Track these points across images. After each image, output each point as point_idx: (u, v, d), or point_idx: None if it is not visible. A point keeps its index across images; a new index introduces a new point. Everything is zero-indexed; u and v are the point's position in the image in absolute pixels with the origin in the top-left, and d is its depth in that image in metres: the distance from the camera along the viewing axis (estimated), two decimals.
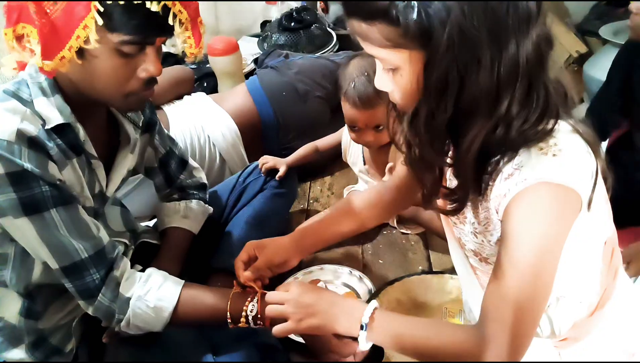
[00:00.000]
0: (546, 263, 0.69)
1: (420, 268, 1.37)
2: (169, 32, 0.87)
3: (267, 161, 1.43)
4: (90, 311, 0.96)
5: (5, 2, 0.85)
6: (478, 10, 0.62)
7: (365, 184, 1.51)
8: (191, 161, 1.32)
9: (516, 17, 0.63)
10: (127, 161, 1.09)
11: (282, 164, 1.43)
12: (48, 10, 0.79)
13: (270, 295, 0.89)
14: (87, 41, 0.80)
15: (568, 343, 0.84)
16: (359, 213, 1.03)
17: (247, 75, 2.26)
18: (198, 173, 1.33)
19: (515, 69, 0.64)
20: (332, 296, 0.86)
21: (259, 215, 1.36)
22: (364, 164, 1.45)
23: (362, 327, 0.79)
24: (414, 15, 0.63)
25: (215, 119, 1.65)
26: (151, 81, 0.91)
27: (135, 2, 0.79)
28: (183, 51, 0.94)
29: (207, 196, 1.33)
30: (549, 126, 0.69)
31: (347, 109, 1.30)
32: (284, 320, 0.86)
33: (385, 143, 1.35)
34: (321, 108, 1.79)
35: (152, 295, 0.96)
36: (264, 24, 2.66)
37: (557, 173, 0.67)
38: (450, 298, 1.25)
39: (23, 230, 0.88)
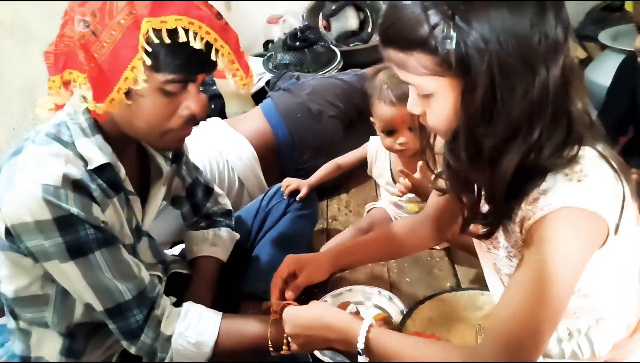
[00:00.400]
0: (557, 288, 0.69)
1: (448, 284, 1.37)
2: (211, 68, 0.88)
3: (289, 183, 1.44)
4: (132, 350, 0.96)
5: (50, 50, 0.86)
6: (513, 39, 0.64)
7: (388, 200, 1.51)
8: (216, 188, 1.32)
9: (546, 45, 0.65)
10: (160, 193, 1.10)
11: (304, 186, 1.44)
12: (96, 55, 0.81)
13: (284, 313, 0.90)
14: (135, 82, 0.81)
15: None
16: (397, 240, 1.05)
17: (254, 95, 2.27)
18: (223, 199, 1.33)
19: (546, 94, 0.67)
20: (325, 320, 0.84)
21: (284, 238, 1.36)
22: (392, 176, 1.45)
23: (359, 354, 0.80)
24: (453, 45, 0.65)
25: (232, 143, 1.66)
26: (191, 119, 0.91)
27: (180, 41, 0.81)
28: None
29: (233, 223, 1.33)
30: (573, 152, 0.71)
31: (382, 110, 1.31)
32: None
33: (417, 149, 1.35)
34: (335, 127, 1.81)
35: (192, 330, 0.96)
36: (266, 43, 2.69)
37: (581, 198, 0.68)
38: (482, 314, 1.25)
39: (68, 273, 0.88)
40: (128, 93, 0.84)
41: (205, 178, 1.31)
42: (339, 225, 1.68)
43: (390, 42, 0.71)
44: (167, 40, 0.80)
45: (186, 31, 0.81)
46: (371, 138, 1.50)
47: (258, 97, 2.25)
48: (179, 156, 1.19)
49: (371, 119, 1.39)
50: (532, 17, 0.64)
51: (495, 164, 0.70)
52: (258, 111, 1.81)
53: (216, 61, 0.86)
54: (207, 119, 1.78)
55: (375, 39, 2.59)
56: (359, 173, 1.77)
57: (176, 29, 0.80)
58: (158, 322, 0.95)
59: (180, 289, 1.19)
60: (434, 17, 0.65)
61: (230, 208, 1.34)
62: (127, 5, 0.80)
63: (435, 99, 0.72)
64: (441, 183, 0.91)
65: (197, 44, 0.82)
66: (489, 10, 0.64)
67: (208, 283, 1.19)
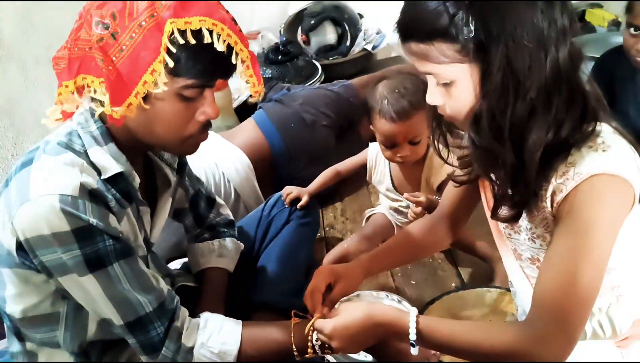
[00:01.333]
0: (601, 252, 0.72)
1: (453, 284, 1.39)
2: (229, 72, 0.87)
3: (290, 191, 1.43)
4: None
5: (60, 55, 0.83)
6: (526, 24, 0.69)
7: (387, 206, 1.52)
8: (218, 199, 1.30)
9: (555, 29, 0.71)
10: (168, 204, 1.08)
11: (304, 194, 1.43)
12: (114, 58, 0.78)
13: (318, 325, 0.88)
14: (154, 86, 0.79)
15: (629, 342, 0.87)
16: (416, 242, 1.06)
17: (236, 110, 2.26)
18: (224, 210, 1.31)
19: (558, 72, 0.72)
20: (374, 320, 0.83)
21: (289, 247, 1.35)
22: (392, 183, 1.46)
23: (412, 345, 0.81)
24: (472, 32, 0.69)
25: (228, 155, 1.65)
26: (208, 124, 0.90)
27: (204, 43, 0.79)
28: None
29: (236, 233, 1.31)
30: (591, 127, 0.75)
31: (383, 126, 1.32)
32: None
33: (419, 158, 1.37)
34: (328, 136, 1.82)
35: (215, 340, 0.93)
36: None
37: (609, 165, 0.72)
38: (491, 310, 1.27)
39: (87, 287, 0.84)
40: (145, 98, 0.81)
41: (207, 188, 1.28)
42: (336, 233, 1.68)
43: (411, 35, 0.75)
44: (193, 41, 0.79)
45: (210, 33, 0.80)
46: (370, 144, 1.51)
47: (240, 112, 2.24)
48: (182, 167, 1.17)
49: (371, 127, 1.40)
50: (541, 5, 0.70)
51: (521, 142, 0.73)
52: (251, 122, 1.80)
53: (235, 65, 0.85)
54: None
55: (354, 52, 2.64)
56: (352, 182, 1.78)
57: (200, 30, 0.79)
58: (179, 334, 0.92)
59: (189, 302, 1.16)
60: (452, 7, 0.69)
61: (232, 218, 1.32)
62: (149, 7, 0.78)
63: (456, 86, 0.75)
64: (459, 174, 0.93)
65: (220, 47, 0.80)
66: None
67: (219, 294, 1.16)
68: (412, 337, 0.79)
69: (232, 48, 0.83)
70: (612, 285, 0.83)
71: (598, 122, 0.76)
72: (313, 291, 0.94)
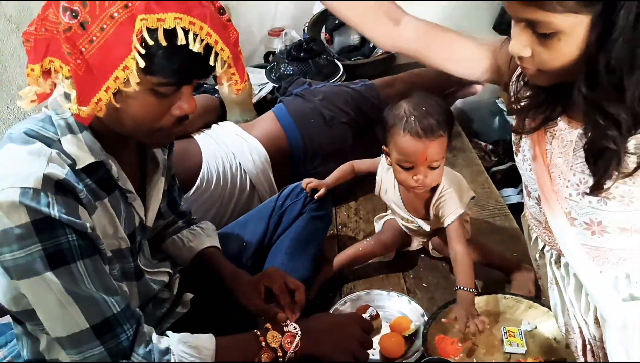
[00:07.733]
0: None
1: None
2: (208, 73, 0.82)
3: (310, 180, 1.41)
4: None
5: (30, 31, 0.78)
6: None
7: (397, 214, 1.46)
8: None
9: None
10: (160, 184, 1.03)
11: (323, 186, 1.41)
12: (83, 50, 0.73)
13: None
14: (126, 83, 0.74)
15: None
16: None
17: (255, 105, 2.26)
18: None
19: None
20: None
21: (300, 239, 1.34)
22: (401, 199, 1.38)
23: None
24: None
25: (245, 146, 1.65)
26: (183, 118, 0.86)
27: (179, 44, 0.74)
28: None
29: None
30: None
31: (406, 143, 1.21)
32: None
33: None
34: (346, 134, 1.81)
35: (189, 337, 0.91)
36: (267, 55, 2.69)
37: None
38: (505, 317, 1.25)
39: (47, 287, 0.79)
40: (116, 93, 0.76)
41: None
42: (349, 232, 1.66)
43: None
44: (164, 43, 0.73)
45: (186, 32, 0.74)
46: (382, 157, 1.40)
47: (259, 106, 2.24)
48: (170, 147, 1.11)
49: (384, 148, 1.31)
50: None
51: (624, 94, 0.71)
52: (271, 115, 1.79)
53: (214, 66, 0.79)
54: (219, 123, 1.76)
55: (376, 54, 2.62)
56: (367, 181, 1.75)
57: (174, 29, 0.73)
58: (149, 337, 0.88)
59: (192, 286, 1.15)
60: None
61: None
62: None
63: (559, 38, 0.72)
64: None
65: (196, 47, 0.75)
66: None
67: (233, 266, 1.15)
68: None
69: (212, 48, 0.77)
70: None
71: None
72: None
